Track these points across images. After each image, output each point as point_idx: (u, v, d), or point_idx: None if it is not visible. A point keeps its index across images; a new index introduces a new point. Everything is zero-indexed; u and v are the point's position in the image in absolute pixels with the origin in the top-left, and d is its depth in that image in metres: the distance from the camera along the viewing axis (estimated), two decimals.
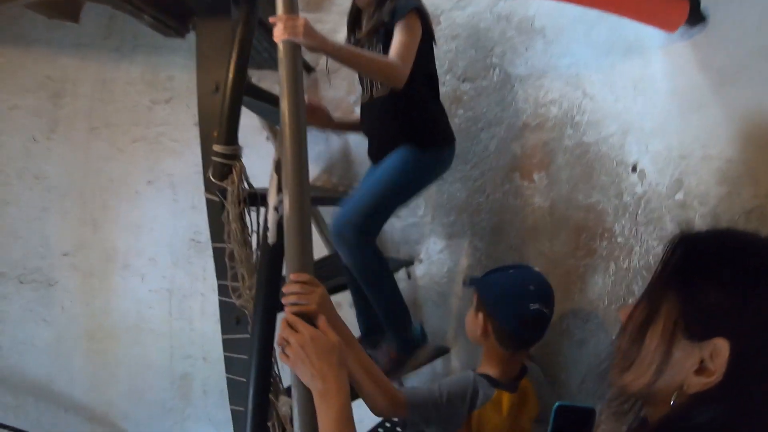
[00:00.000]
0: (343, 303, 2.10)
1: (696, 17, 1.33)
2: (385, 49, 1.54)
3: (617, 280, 1.59)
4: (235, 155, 1.36)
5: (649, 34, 1.47)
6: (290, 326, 0.95)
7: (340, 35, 1.97)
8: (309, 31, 1.24)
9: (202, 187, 1.39)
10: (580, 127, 1.71)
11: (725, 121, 1.31)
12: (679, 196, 1.42)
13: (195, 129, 1.47)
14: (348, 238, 1.49)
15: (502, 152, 1.94)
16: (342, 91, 2.27)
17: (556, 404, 0.87)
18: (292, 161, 1.17)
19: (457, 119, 2.04)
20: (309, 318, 0.96)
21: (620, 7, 1.34)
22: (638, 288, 1.53)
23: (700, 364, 0.63)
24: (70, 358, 2.68)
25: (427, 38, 1.61)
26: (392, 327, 1.64)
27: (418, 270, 2.20)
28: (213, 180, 1.35)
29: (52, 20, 2.34)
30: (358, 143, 2.27)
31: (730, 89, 1.30)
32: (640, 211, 1.53)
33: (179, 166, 2.49)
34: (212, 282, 1.40)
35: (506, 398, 1.34)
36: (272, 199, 1.29)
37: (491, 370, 1.39)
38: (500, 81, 1.93)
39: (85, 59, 2.47)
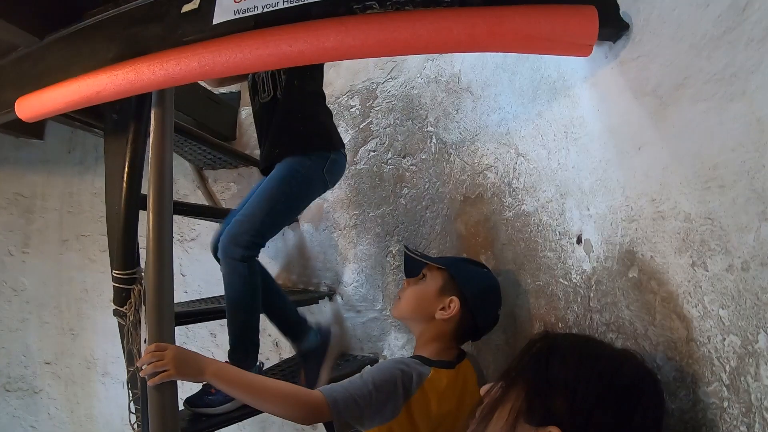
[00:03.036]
0: None
1: (615, 27, 0.90)
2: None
3: None
4: (132, 279, 1.23)
5: (572, 64, 1.06)
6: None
7: None
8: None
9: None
10: (518, 194, 1.28)
11: (673, 161, 0.83)
12: (633, 273, 0.92)
13: None
14: (235, 255, 1.37)
15: (449, 232, 1.54)
16: None
17: None
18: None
19: (403, 199, 1.69)
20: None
21: (505, 40, 0.90)
22: None
23: None
24: None
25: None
26: (234, 347, 1.44)
27: None
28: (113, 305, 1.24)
29: (19, 139, 2.31)
30: (312, 237, 1.99)
31: (674, 114, 0.81)
32: (591, 295, 1.04)
33: None
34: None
35: (444, 375, 1.14)
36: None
37: (427, 351, 1.20)
38: (438, 151, 1.57)
39: (51, 174, 2.42)
